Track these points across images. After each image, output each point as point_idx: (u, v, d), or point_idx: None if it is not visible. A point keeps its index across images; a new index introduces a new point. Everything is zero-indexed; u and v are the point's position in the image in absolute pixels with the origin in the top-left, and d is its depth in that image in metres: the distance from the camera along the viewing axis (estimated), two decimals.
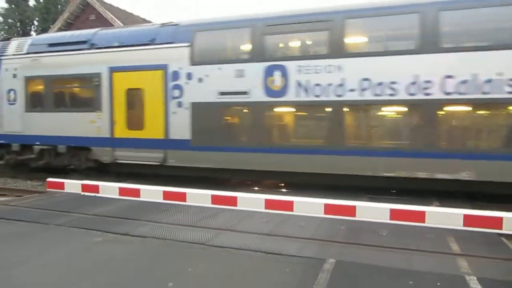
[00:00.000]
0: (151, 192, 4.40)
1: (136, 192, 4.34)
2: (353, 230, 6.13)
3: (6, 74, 12.04)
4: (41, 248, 5.34)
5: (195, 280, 4.31)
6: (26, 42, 12.14)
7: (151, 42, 10.32)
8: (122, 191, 4.56)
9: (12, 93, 12.00)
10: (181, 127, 9.92)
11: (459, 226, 3.31)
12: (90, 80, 10.91)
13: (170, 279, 4.25)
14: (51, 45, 11.59)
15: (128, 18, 20.08)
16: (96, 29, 11.55)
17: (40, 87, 11.74)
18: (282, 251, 5.15)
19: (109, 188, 4.73)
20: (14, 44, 12.23)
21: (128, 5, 52.69)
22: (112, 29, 11.86)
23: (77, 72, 11.05)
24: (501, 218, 3.34)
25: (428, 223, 3.91)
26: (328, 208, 3.59)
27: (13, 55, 12.00)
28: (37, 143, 11.66)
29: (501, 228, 3.42)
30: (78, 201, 7.86)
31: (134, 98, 10.51)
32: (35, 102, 11.80)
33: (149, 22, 22.80)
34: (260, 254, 5.08)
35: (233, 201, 4.00)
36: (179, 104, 9.96)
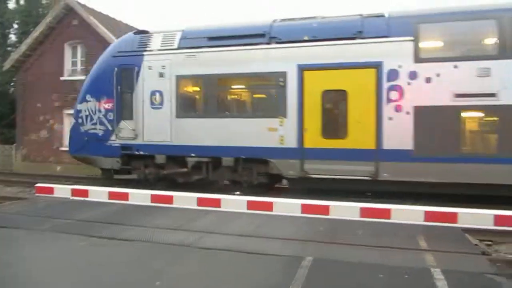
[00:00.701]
0: (139, 196, 4.60)
1: (125, 196, 4.53)
2: (331, 230, 6.51)
3: (149, 72, 10.05)
4: (23, 253, 5.50)
5: (182, 280, 4.59)
6: (175, 35, 10.19)
7: (357, 35, 8.85)
8: (112, 195, 4.73)
9: (157, 95, 9.98)
10: (399, 135, 8.43)
11: (421, 221, 3.70)
12: (271, 80, 9.30)
13: (157, 279, 4.52)
14: (212, 38, 9.84)
15: (112, 24, 20.11)
16: (271, 21, 9.81)
17: (197, 88, 10.05)
18: (264, 251, 5.47)
19: (98, 192, 4.90)
20: (157, 37, 10.30)
21: (111, 10, 52.42)
22: (295, 21, 9.90)
23: (252, 71, 9.34)
24: (456, 214, 3.74)
25: (393, 219, 4.27)
26: (304, 208, 3.90)
27: (159, 50, 10.07)
28: (192, 154, 9.78)
29: (456, 222, 3.84)
30: (64, 206, 8.01)
31: (333, 101, 9.11)
32: (189, 106, 10.04)
33: (134, 28, 22.81)
34: (243, 255, 5.39)
35: (217, 202, 4.28)
36: (398, 108, 8.47)
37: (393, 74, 8.49)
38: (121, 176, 10.82)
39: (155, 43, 10.20)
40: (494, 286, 4.36)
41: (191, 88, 10.19)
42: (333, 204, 4.00)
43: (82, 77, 18.45)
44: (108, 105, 10.35)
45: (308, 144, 8.93)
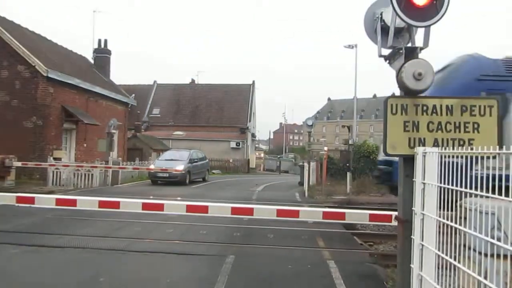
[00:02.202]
0: (87, 202, 4.82)
1: (73, 202, 4.74)
2: (247, 235, 7.60)
3: None
4: None
5: (121, 276, 5.17)
6: None
7: None
8: (59, 202, 4.87)
9: None
10: None
11: (320, 219, 4.84)
12: None
13: (99, 277, 5.04)
14: None
15: (16, 30, 19.14)
16: None
17: None
18: (191, 252, 6.26)
19: (45, 199, 4.93)
20: None
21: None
22: None
23: None
24: (344, 213, 4.99)
25: (301, 217, 5.30)
26: (233, 210, 4.66)
27: None
28: None
29: (344, 219, 5.10)
30: None
31: None
32: None
33: (38, 34, 21.87)
34: (173, 255, 6.12)
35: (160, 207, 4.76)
36: None
37: None
38: None
39: None
40: (371, 272, 5.75)
41: None
42: (256, 206, 4.84)
43: None
44: None
45: None
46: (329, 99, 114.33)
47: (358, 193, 16.43)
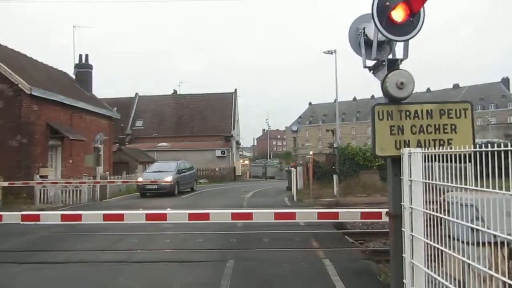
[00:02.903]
0: (92, 216, 4.95)
1: (78, 217, 4.86)
2: (243, 241, 7.86)
3: None
4: None
5: (128, 285, 5.36)
6: None
7: None
8: (64, 218, 4.98)
9: None
10: None
11: (315, 219, 5.14)
12: None
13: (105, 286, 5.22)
14: None
15: None
16: None
17: None
18: (192, 259, 6.49)
19: (50, 216, 5.00)
20: None
21: None
22: None
23: None
24: (337, 213, 5.31)
25: (298, 219, 5.58)
26: (234, 216, 4.87)
27: None
28: None
29: (338, 218, 5.42)
30: None
31: None
32: None
33: (19, 52, 21.73)
34: (175, 263, 6.33)
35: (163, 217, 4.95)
36: None
37: None
38: None
39: None
40: (365, 267, 6.08)
41: None
42: (255, 211, 5.09)
43: None
44: None
45: None
46: (310, 103, 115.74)
47: (345, 195, 16.84)
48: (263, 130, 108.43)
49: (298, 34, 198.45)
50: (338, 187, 17.12)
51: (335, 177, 16.95)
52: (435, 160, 3.10)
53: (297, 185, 17.91)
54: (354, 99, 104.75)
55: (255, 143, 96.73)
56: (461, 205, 3.04)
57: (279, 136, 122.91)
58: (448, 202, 3.20)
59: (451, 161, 2.89)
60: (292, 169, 18.15)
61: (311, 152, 18.28)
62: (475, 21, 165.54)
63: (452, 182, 3.00)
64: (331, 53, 26.54)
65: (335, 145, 17.79)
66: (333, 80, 30.54)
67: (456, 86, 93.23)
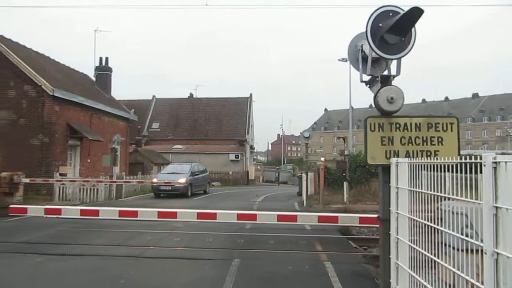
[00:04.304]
0: (109, 212, 5.34)
1: (96, 212, 5.26)
2: (250, 242, 8.20)
3: None
4: None
5: (140, 279, 5.75)
6: None
7: None
8: (83, 212, 5.40)
9: None
10: None
11: (316, 222, 5.42)
12: None
13: (119, 279, 5.62)
14: None
15: (22, 51, 19.86)
16: None
17: None
18: (200, 257, 6.86)
19: (71, 210, 5.43)
20: None
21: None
22: None
23: None
24: (337, 217, 5.58)
25: (299, 222, 5.85)
26: (239, 216, 5.18)
27: None
28: None
29: (337, 222, 5.69)
30: (1, 231, 8.41)
31: None
32: None
33: (42, 54, 22.62)
34: (184, 260, 6.70)
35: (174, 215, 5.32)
36: None
37: None
38: None
39: None
40: (364, 270, 6.34)
41: None
42: (259, 213, 5.40)
43: None
44: None
45: None
46: (326, 109, 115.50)
47: (355, 202, 17.01)
48: (278, 135, 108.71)
49: (316, 40, 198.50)
50: (348, 193, 17.30)
51: (345, 184, 17.14)
52: (425, 170, 3.39)
53: (308, 190, 18.15)
54: (370, 106, 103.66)
55: (270, 148, 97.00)
56: (453, 213, 3.31)
57: (293, 142, 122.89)
58: (443, 210, 3.45)
59: (438, 171, 3.19)
60: (303, 175, 18.40)
61: (322, 159, 18.51)
62: (498, 30, 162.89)
63: (435, 191, 3.28)
64: (345, 60, 26.71)
65: (346, 152, 17.99)
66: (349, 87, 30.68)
67: (475, 95, 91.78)
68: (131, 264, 6.41)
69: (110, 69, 27.11)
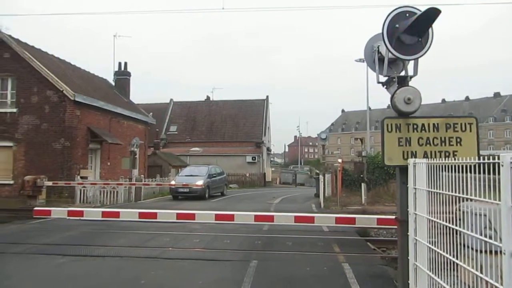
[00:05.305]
0: (129, 214, 5.50)
1: (117, 214, 5.43)
2: (267, 243, 8.22)
3: None
4: (14, 271, 6.30)
5: (160, 279, 5.85)
6: None
7: None
8: (105, 214, 5.60)
9: None
10: None
11: (333, 223, 5.42)
12: None
13: (140, 280, 5.73)
14: None
15: (44, 57, 20.41)
16: None
17: None
18: (218, 258, 6.92)
19: (93, 213, 5.61)
20: None
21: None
22: None
23: None
24: (355, 218, 5.55)
25: (316, 223, 5.84)
26: (256, 217, 5.23)
27: None
28: None
29: (355, 223, 5.66)
30: (26, 233, 8.68)
31: None
32: None
33: (64, 61, 23.20)
34: (202, 261, 6.78)
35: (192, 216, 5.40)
36: None
37: None
38: None
39: None
40: (382, 272, 6.29)
41: None
42: (276, 214, 5.42)
43: (13, 110, 18.49)
44: None
45: None
46: (343, 110, 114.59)
47: (373, 203, 16.86)
48: (295, 137, 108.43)
49: (333, 41, 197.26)
50: (366, 195, 17.16)
51: (363, 185, 17.00)
52: (444, 170, 3.37)
53: (325, 192, 18.07)
54: (388, 106, 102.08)
55: (287, 150, 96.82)
56: (473, 214, 3.28)
57: (310, 143, 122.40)
58: (463, 212, 3.41)
59: (457, 172, 3.16)
60: (320, 176, 18.33)
61: (339, 160, 18.40)
62: None
63: (455, 192, 3.25)
64: (362, 61, 26.52)
65: (363, 153, 17.85)
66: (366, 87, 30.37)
67: (497, 94, 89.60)
68: (151, 265, 6.51)
69: (128, 74, 27.60)
